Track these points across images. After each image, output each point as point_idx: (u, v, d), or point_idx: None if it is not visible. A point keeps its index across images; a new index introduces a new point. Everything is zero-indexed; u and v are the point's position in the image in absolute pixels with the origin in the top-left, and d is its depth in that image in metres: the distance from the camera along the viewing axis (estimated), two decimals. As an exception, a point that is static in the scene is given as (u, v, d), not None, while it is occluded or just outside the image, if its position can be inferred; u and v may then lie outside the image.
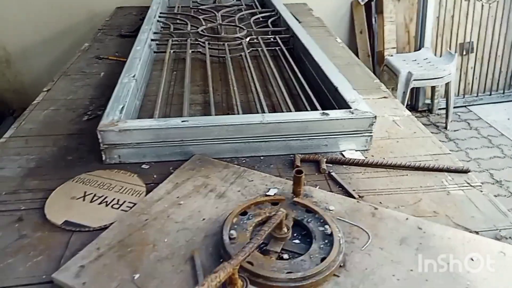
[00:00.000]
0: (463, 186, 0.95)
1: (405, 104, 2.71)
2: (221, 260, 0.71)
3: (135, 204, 0.86)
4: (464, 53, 3.18)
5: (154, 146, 1.01)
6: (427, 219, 0.83)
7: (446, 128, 2.88)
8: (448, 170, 0.99)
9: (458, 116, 3.08)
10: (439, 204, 0.89)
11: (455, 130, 2.88)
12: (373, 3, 3.08)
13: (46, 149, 1.08)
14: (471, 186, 0.95)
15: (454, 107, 3.09)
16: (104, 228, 0.80)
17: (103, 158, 1.01)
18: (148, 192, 0.90)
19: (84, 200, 0.88)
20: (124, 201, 0.87)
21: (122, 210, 0.85)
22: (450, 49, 3.07)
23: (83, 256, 0.72)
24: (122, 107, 1.06)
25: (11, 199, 0.89)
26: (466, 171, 0.99)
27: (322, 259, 0.69)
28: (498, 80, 3.27)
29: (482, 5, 3.06)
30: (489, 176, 2.39)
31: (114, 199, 0.88)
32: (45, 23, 2.82)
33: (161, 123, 1.01)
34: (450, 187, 0.94)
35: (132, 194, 0.90)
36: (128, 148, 1.00)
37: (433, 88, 3.03)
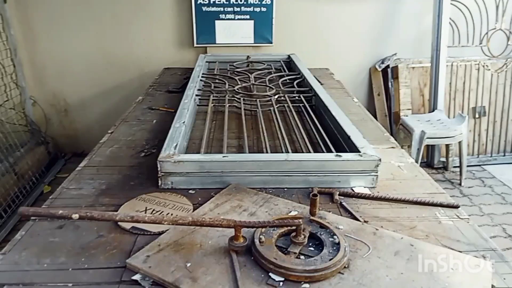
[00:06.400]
0: (453, 218, 1.14)
1: (419, 160, 2.90)
2: (252, 258, 0.92)
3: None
4: (477, 116, 3.40)
5: (199, 176, 1.26)
6: (419, 240, 1.02)
7: (460, 184, 3.02)
8: (441, 205, 1.19)
9: (473, 174, 3.22)
10: (431, 230, 1.08)
11: (469, 187, 3.01)
12: (389, 70, 3.41)
13: (113, 176, 1.36)
14: (460, 218, 1.14)
15: (470, 166, 3.25)
16: (162, 232, 1.03)
17: (159, 183, 1.27)
18: (194, 209, 1.14)
19: (145, 212, 1.13)
20: (177, 215, 1.11)
21: (175, 221, 1.08)
22: (463, 112, 3.30)
23: (148, 250, 0.96)
24: (176, 145, 1.34)
25: (90, 211, 1.15)
26: (456, 207, 1.18)
27: (330, 260, 0.89)
28: (511, 142, 3.43)
29: (492, 74, 3.33)
30: (501, 230, 2.49)
31: (168, 213, 1.13)
32: (101, 79, 3.29)
33: (206, 157, 1.27)
34: (441, 218, 1.14)
35: (182, 210, 1.14)
36: (180, 176, 1.26)
37: (447, 146, 3.22)
